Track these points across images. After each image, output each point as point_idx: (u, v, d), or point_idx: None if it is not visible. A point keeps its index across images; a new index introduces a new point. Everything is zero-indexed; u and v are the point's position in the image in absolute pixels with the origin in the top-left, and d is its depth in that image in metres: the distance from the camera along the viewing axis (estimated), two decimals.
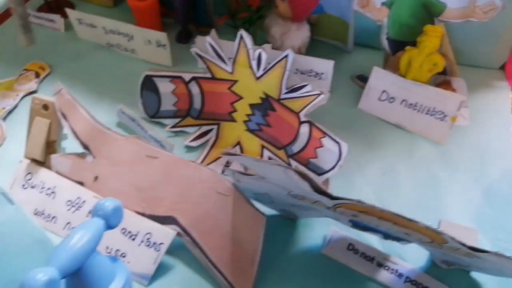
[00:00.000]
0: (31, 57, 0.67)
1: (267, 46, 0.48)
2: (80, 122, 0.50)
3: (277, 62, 0.48)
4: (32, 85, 0.63)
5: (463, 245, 0.32)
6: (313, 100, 0.48)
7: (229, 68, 0.52)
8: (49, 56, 0.68)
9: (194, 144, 0.56)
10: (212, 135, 0.56)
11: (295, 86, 0.48)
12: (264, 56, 0.48)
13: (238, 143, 0.55)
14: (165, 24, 0.71)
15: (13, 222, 0.34)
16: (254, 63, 0.49)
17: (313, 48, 0.65)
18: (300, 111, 0.50)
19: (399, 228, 0.35)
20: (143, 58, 0.66)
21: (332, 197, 0.34)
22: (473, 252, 0.31)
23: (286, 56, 0.47)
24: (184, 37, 0.68)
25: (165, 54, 0.63)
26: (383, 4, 0.57)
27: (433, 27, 0.53)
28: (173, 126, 0.57)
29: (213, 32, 0.50)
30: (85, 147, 0.50)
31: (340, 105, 0.59)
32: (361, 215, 0.36)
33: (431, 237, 0.34)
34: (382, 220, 0.35)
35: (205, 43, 0.50)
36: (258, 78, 0.50)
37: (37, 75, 0.64)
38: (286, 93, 0.49)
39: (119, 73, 0.65)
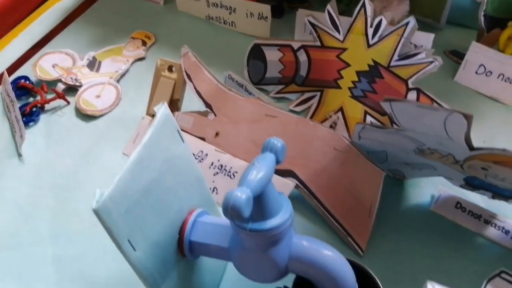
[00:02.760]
0: (135, 27, 0.72)
1: (388, 14, 0.51)
2: (204, 82, 0.54)
3: (395, 30, 0.51)
4: (140, 52, 0.68)
5: None
6: (424, 68, 0.51)
7: (340, 37, 0.55)
8: (151, 27, 0.72)
9: (298, 109, 0.60)
10: (314, 101, 0.60)
11: (409, 54, 0.51)
12: (384, 23, 0.50)
13: (341, 109, 0.58)
14: None
15: (183, 158, 0.38)
16: (370, 31, 0.52)
17: None
18: (409, 78, 0.52)
19: None
20: (242, 31, 0.70)
21: (472, 148, 0.37)
22: None
23: (406, 24, 0.50)
24: (278, 12, 0.71)
25: (265, 27, 0.67)
26: None
27: None
28: (277, 92, 0.61)
29: (332, 1, 0.53)
30: (208, 105, 0.54)
31: (436, 78, 0.61)
32: (494, 167, 0.38)
33: None
34: None
35: (324, 14, 0.54)
36: (370, 45, 0.53)
37: (144, 43, 0.69)
38: (398, 60, 0.52)
39: (220, 44, 0.70)
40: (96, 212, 0.28)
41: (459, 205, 0.50)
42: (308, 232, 0.49)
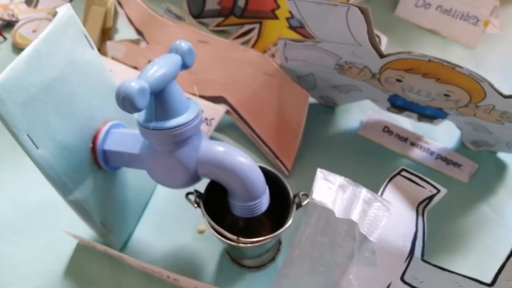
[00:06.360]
0: None
1: None
2: (135, 9, 0.53)
3: None
4: None
5: (500, 94, 0.35)
6: None
7: None
8: None
9: (238, 42, 0.59)
10: (253, 34, 0.59)
11: None
12: None
13: None
14: None
15: (93, 65, 0.37)
16: None
17: None
18: None
19: (442, 86, 0.38)
20: None
21: (382, 55, 0.37)
22: (509, 98, 0.34)
23: None
24: None
25: None
26: None
27: None
28: (217, 25, 0.60)
29: None
30: (139, 33, 0.53)
31: (377, 11, 0.61)
32: (407, 76, 0.39)
33: (470, 92, 0.37)
34: (427, 78, 0.38)
35: None
36: None
37: None
38: None
39: None
40: None
41: (387, 128, 0.51)
42: None
